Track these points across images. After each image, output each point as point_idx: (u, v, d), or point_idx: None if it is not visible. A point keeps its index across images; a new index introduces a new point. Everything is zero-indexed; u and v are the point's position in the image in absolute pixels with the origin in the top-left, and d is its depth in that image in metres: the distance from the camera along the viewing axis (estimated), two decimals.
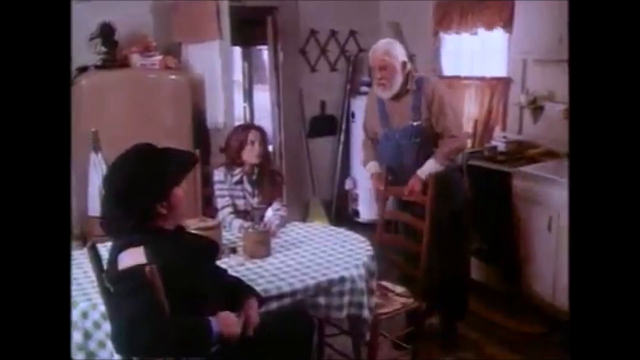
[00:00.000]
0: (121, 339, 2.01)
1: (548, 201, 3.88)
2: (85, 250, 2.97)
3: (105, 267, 2.22)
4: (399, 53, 3.49)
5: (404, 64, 3.47)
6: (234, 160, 3.45)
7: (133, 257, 2.08)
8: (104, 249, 2.33)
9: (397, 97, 3.49)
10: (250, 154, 3.41)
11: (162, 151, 2.33)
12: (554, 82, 4.48)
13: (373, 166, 3.75)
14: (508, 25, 4.77)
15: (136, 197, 2.23)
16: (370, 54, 3.55)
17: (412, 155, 3.50)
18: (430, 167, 3.45)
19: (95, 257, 2.23)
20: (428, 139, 3.48)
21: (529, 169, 4.16)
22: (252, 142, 3.40)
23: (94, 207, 4.05)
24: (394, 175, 3.57)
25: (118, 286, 2.10)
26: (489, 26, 4.95)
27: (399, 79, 3.45)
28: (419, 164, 3.45)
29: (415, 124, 3.47)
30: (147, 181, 2.24)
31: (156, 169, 2.26)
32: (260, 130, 3.53)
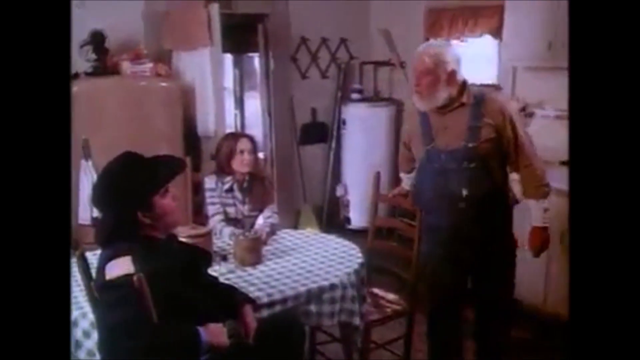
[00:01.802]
0: (107, 348, 2.02)
1: None
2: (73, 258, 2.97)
3: (94, 275, 2.21)
4: (449, 59, 2.82)
5: (452, 73, 2.81)
6: (224, 169, 3.44)
7: (120, 266, 2.07)
8: (94, 257, 2.32)
9: (444, 110, 2.86)
10: (240, 163, 3.40)
11: (142, 160, 2.31)
12: (544, 89, 4.50)
13: (404, 180, 3.35)
14: (498, 32, 4.80)
15: (116, 206, 2.24)
16: (414, 54, 2.92)
17: (462, 182, 2.83)
18: (540, 209, 2.92)
19: (84, 265, 2.22)
20: (486, 166, 2.84)
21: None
22: (242, 152, 3.39)
23: (85, 215, 4.04)
24: (429, 207, 2.99)
25: (105, 295, 2.10)
26: (479, 33, 4.98)
27: (442, 90, 2.80)
28: (472, 193, 2.83)
29: (470, 145, 2.80)
30: (125, 190, 2.23)
31: (135, 178, 2.25)
32: (250, 138, 3.52)
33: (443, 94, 2.81)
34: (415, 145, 3.06)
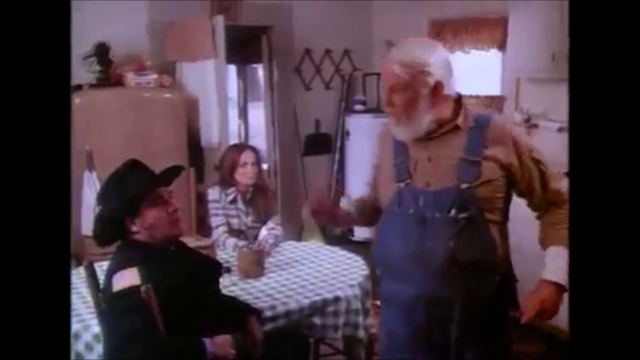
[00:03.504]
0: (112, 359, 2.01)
1: None
2: (78, 270, 2.97)
3: (102, 286, 2.21)
4: (433, 66, 1.97)
5: (437, 87, 1.98)
6: (227, 180, 3.44)
7: (127, 278, 2.07)
8: (100, 269, 2.33)
9: (429, 135, 2.03)
10: (243, 175, 3.40)
11: (138, 167, 2.32)
12: (548, 100, 4.50)
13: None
14: (502, 43, 4.81)
15: (105, 205, 2.29)
16: (384, 61, 2.07)
17: (444, 240, 1.97)
18: (562, 259, 1.97)
19: (92, 276, 2.23)
20: (479, 217, 1.98)
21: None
22: (245, 164, 3.39)
23: (88, 225, 4.03)
24: (397, 271, 2.11)
25: (112, 307, 2.11)
26: (483, 45, 4.99)
27: (424, 112, 1.98)
28: (458, 256, 1.96)
29: (464, 186, 1.97)
30: (115, 192, 2.25)
31: (125, 182, 2.26)
32: (253, 150, 3.52)
33: (427, 117, 1.99)
34: (382, 180, 2.20)
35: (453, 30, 5.22)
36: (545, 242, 2.10)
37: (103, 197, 2.32)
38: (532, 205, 2.15)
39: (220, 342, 2.16)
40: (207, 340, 2.12)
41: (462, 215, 1.96)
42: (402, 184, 2.07)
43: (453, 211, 1.96)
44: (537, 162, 2.09)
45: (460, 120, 2.03)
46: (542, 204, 2.12)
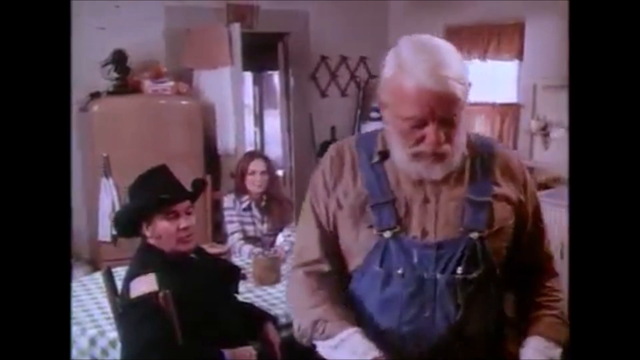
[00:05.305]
0: None
1: (559, 228, 3.85)
2: (95, 275, 2.99)
3: (119, 292, 2.22)
4: (464, 72, 1.52)
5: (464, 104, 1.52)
6: (240, 188, 3.47)
7: (145, 284, 2.07)
8: (116, 274, 2.34)
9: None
10: (252, 184, 3.42)
11: (162, 174, 2.33)
12: (565, 107, 4.47)
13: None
14: (518, 50, 4.79)
15: (126, 208, 2.35)
16: (410, 77, 1.51)
17: (448, 309, 1.48)
18: (539, 354, 1.52)
19: (110, 281, 2.24)
20: (492, 277, 1.54)
21: (539, 195, 4.13)
22: (253, 172, 3.42)
23: (104, 232, 4.07)
24: (382, 343, 1.47)
25: (129, 313, 2.11)
26: (499, 51, 4.97)
27: (463, 134, 1.54)
28: (464, 330, 1.49)
29: (474, 236, 1.49)
30: (135, 195, 2.28)
31: (146, 187, 2.27)
32: (264, 159, 3.53)
33: (462, 146, 1.54)
34: (345, 227, 1.59)
35: (469, 37, 5.21)
36: (530, 330, 1.59)
37: (128, 195, 2.36)
38: (511, 265, 1.62)
39: (242, 354, 2.16)
40: (226, 352, 2.10)
41: (472, 275, 1.48)
42: (387, 234, 1.50)
43: (460, 270, 1.47)
44: (536, 210, 1.65)
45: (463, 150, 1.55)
46: (525, 269, 1.64)
